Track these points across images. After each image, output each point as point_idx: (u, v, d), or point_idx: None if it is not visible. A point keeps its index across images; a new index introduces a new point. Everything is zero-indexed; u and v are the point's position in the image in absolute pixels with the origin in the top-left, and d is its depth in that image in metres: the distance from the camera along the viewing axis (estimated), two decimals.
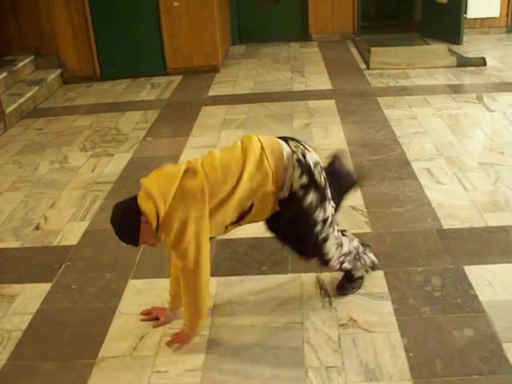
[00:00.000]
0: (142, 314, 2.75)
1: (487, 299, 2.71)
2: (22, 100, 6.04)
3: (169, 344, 2.56)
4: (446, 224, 3.37)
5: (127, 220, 2.30)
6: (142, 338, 2.62)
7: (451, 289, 2.80)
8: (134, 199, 2.30)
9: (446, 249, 3.13)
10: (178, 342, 2.54)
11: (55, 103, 6.47)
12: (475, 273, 2.91)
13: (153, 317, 2.71)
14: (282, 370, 2.36)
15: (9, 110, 5.73)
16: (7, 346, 2.64)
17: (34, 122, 5.84)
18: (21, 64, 6.70)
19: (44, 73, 6.91)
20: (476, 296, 2.74)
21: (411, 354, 2.41)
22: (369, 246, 2.82)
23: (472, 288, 2.79)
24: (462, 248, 3.13)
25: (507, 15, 8.18)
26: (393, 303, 2.70)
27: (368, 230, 3.35)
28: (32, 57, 6.97)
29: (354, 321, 2.62)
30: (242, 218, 2.39)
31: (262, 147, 2.35)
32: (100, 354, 2.54)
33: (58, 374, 2.45)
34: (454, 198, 3.67)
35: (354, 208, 3.56)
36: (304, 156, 2.39)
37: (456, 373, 2.30)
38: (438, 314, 2.64)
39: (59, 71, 7.04)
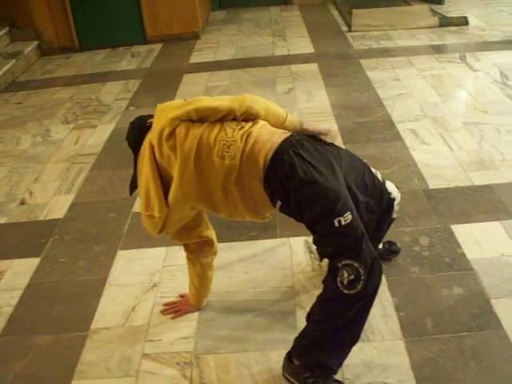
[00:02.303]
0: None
1: (475, 257, 2.74)
2: None
3: (164, 312, 2.57)
4: (433, 184, 3.39)
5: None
6: (133, 308, 2.62)
7: (439, 248, 2.82)
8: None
9: (433, 209, 3.14)
10: (178, 310, 2.56)
11: (34, 76, 6.35)
12: (462, 231, 2.93)
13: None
14: (276, 334, 2.38)
15: None
16: None
17: (12, 95, 5.74)
18: None
19: (20, 45, 6.74)
20: (464, 254, 2.76)
21: (402, 314, 2.44)
22: None
23: (460, 247, 2.82)
24: (449, 207, 3.15)
25: None
26: (381, 259, 2.70)
27: None
28: (7, 29, 6.78)
29: None
30: None
31: None
32: (92, 326, 2.54)
33: (51, 348, 2.45)
34: (440, 158, 3.68)
35: None
36: None
37: (446, 330, 2.33)
38: (427, 273, 2.66)
39: (36, 43, 6.88)
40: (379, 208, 2.36)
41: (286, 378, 2.15)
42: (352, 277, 1.94)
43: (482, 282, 2.57)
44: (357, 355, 2.22)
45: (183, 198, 2.14)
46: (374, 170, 2.37)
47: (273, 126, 2.17)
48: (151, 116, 2.23)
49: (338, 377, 2.13)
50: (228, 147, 2.05)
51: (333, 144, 2.25)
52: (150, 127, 2.20)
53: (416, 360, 2.21)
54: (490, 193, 3.25)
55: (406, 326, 2.37)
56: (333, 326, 2.03)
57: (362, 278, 1.94)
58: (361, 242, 1.97)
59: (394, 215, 2.49)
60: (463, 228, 2.96)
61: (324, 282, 2.04)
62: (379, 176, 2.39)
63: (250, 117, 2.14)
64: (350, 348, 2.10)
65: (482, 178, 3.41)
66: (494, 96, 4.60)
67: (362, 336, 2.29)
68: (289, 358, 2.15)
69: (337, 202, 1.96)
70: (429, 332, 2.33)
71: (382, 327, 2.37)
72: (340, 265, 1.95)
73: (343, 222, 1.94)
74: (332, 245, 2.00)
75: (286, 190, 2.03)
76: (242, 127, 2.10)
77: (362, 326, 2.08)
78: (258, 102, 2.18)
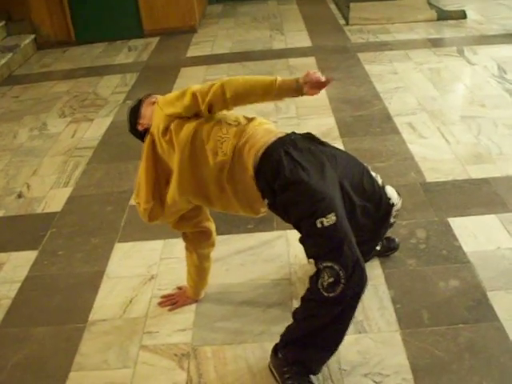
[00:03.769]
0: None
1: (471, 250, 2.75)
2: None
3: (162, 304, 2.58)
4: (430, 177, 3.39)
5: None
6: (131, 300, 2.63)
7: (436, 241, 2.83)
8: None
9: (430, 202, 3.15)
10: (176, 302, 2.57)
11: (31, 70, 6.34)
12: (459, 224, 2.94)
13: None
14: (272, 326, 2.38)
15: None
16: None
17: (9, 89, 5.73)
18: None
19: (17, 38, 6.73)
20: (460, 247, 2.77)
21: (398, 306, 2.44)
22: None
23: (456, 239, 2.83)
24: (446, 200, 3.16)
25: None
26: (379, 256, 2.72)
27: None
28: (3, 22, 6.78)
29: None
30: None
31: None
32: (90, 318, 2.55)
33: (49, 340, 2.46)
34: (437, 152, 3.68)
35: None
36: None
37: (442, 322, 2.34)
38: (423, 265, 2.67)
39: (33, 36, 6.86)
40: (377, 212, 2.34)
41: (270, 370, 2.16)
42: (331, 279, 1.92)
43: (478, 275, 2.58)
44: (353, 347, 2.24)
45: (180, 190, 2.16)
46: (373, 174, 2.35)
47: (263, 96, 2.12)
48: (138, 106, 2.32)
49: (333, 368, 2.15)
50: (222, 143, 2.07)
51: (332, 146, 2.25)
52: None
53: (412, 351, 2.22)
54: (486, 186, 3.26)
55: (402, 317, 2.38)
56: (314, 326, 2.01)
57: (342, 281, 1.91)
58: (342, 245, 1.94)
59: (392, 220, 2.48)
60: (460, 221, 2.97)
61: (309, 281, 2.03)
62: (379, 180, 2.37)
63: (222, 105, 2.11)
64: (332, 351, 2.07)
65: (479, 171, 3.42)
66: (492, 90, 4.60)
67: (359, 327, 2.32)
68: (275, 350, 2.15)
69: (320, 203, 1.94)
70: (425, 324, 2.34)
71: (379, 319, 2.38)
72: (321, 266, 1.94)
73: (325, 223, 1.92)
74: (314, 245, 1.99)
75: (272, 189, 2.02)
76: (239, 123, 2.11)
77: (344, 330, 2.04)
78: (230, 88, 2.07)
